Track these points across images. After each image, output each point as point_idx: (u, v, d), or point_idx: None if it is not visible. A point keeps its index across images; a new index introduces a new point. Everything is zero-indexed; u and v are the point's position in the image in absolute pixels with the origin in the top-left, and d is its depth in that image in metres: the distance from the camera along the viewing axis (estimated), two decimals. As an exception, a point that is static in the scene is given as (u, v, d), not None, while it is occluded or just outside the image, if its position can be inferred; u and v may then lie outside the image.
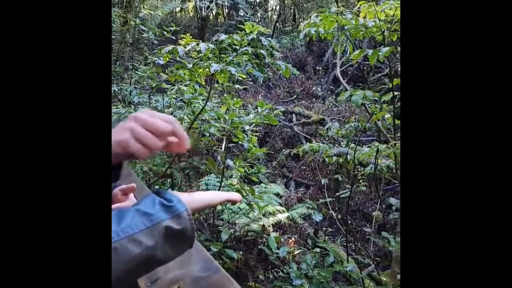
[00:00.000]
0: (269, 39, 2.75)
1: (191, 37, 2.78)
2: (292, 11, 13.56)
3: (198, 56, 2.69)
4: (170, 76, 2.97)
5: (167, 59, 2.75)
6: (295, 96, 9.31)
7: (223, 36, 2.64)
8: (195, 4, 11.27)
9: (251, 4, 12.37)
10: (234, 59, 2.64)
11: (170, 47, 2.59)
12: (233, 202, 0.83)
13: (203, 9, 11.35)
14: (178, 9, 14.01)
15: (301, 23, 11.86)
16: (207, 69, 2.67)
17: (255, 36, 2.57)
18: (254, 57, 2.70)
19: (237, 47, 2.66)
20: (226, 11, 13.83)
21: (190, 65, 2.75)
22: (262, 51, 2.59)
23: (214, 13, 14.15)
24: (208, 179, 4.22)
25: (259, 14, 12.63)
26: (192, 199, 0.72)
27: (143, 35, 6.41)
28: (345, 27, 2.63)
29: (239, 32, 2.66)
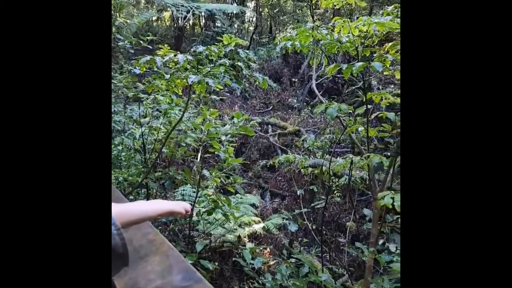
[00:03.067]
0: (247, 51, 2.78)
1: (168, 47, 2.78)
2: (268, 23, 13.74)
3: (176, 66, 2.69)
4: (147, 87, 2.95)
5: (144, 69, 2.74)
6: (271, 107, 9.39)
7: (201, 48, 2.66)
8: (172, 13, 11.24)
9: (228, 15, 12.44)
10: (212, 70, 2.66)
11: (148, 57, 2.58)
12: (179, 215, 0.75)
13: (180, 19, 11.34)
14: (154, 18, 13.93)
15: (277, 35, 12.03)
16: (184, 80, 2.68)
17: (233, 48, 2.60)
18: (231, 69, 2.72)
19: (214, 59, 2.68)
20: (203, 21, 13.86)
21: (168, 76, 2.75)
22: (239, 63, 2.61)
23: (191, 23, 14.13)
24: (184, 189, 4.20)
25: (236, 25, 12.71)
26: (122, 211, 0.63)
27: (119, 44, 6.32)
28: (321, 41, 2.70)
29: (216, 43, 2.68)
